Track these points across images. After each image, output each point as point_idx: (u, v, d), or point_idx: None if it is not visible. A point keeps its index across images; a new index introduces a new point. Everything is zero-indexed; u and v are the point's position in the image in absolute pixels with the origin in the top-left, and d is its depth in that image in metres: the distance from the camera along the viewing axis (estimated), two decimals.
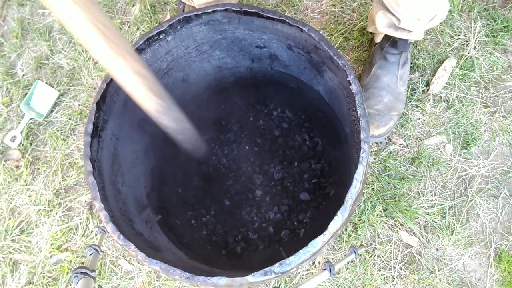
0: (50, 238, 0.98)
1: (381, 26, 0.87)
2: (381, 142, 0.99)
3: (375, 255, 0.92)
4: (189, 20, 0.67)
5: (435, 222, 0.93)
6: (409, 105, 1.01)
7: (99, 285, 0.56)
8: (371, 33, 1.03)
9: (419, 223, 0.94)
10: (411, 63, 1.04)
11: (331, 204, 0.88)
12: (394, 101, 0.94)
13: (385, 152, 0.98)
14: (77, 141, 1.05)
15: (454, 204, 0.95)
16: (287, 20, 0.63)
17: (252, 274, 0.50)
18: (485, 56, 1.03)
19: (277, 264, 0.50)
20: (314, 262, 0.94)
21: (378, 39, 0.94)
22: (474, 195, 0.95)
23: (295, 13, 1.10)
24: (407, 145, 0.99)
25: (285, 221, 0.90)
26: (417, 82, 1.02)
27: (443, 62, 1.03)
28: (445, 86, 1.02)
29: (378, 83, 0.93)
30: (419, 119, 1.00)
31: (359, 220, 0.94)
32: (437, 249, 0.93)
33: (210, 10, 0.65)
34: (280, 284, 0.92)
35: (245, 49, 0.78)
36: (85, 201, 1.01)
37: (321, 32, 1.08)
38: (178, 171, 0.93)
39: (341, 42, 1.07)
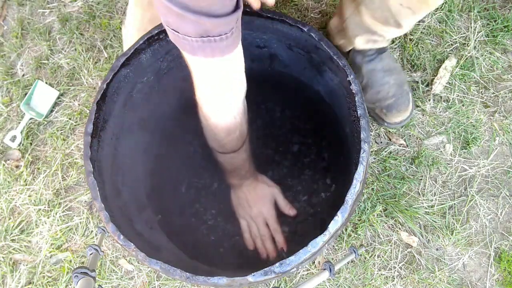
0: (50, 238, 0.98)
1: (360, 44, 0.87)
2: (381, 142, 0.99)
3: (375, 255, 0.92)
4: None
5: (435, 222, 0.93)
6: None
7: (99, 285, 0.56)
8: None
9: (419, 223, 0.94)
10: (412, 63, 1.04)
11: (331, 204, 0.88)
12: (397, 77, 0.94)
13: (385, 152, 0.98)
14: (77, 141, 1.05)
15: (454, 204, 0.95)
16: (287, 20, 0.63)
17: (252, 274, 0.50)
18: (485, 56, 1.03)
19: (277, 264, 0.50)
20: (314, 262, 0.94)
21: (350, 48, 0.93)
22: (474, 195, 0.95)
23: (295, 13, 1.10)
24: (407, 145, 0.99)
25: (285, 220, 0.90)
26: (417, 82, 1.02)
27: (443, 61, 1.03)
28: (445, 86, 1.02)
29: (376, 76, 0.93)
30: (419, 119, 1.00)
31: (359, 220, 0.94)
32: (437, 249, 0.93)
33: None
34: (280, 284, 0.92)
35: (245, 49, 0.77)
36: (85, 201, 1.01)
37: (321, 32, 1.07)
38: (178, 171, 0.93)
39: None
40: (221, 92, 0.59)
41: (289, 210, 0.84)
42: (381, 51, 0.91)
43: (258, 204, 0.81)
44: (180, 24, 0.44)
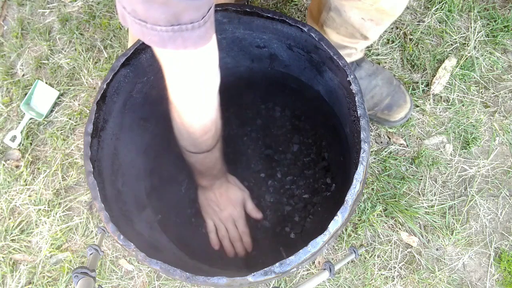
0: (50, 238, 0.98)
1: None
2: (381, 142, 0.99)
3: (375, 255, 0.92)
4: None
5: (435, 222, 0.93)
6: None
7: (99, 285, 0.56)
8: None
9: (419, 223, 0.94)
10: (412, 63, 1.04)
11: (331, 204, 0.88)
12: (383, 76, 0.94)
13: (385, 152, 0.98)
14: (77, 141, 1.05)
15: (454, 204, 0.95)
16: (287, 20, 0.63)
17: (252, 274, 0.50)
18: (485, 56, 1.03)
19: (277, 264, 0.50)
20: (314, 262, 0.94)
21: None
22: (474, 195, 0.95)
23: (295, 13, 1.10)
24: (407, 145, 0.99)
25: (285, 220, 0.90)
26: (417, 82, 1.02)
27: (443, 61, 1.03)
28: (445, 86, 1.02)
29: (363, 83, 0.94)
30: (419, 119, 1.00)
31: (359, 220, 0.94)
32: (437, 249, 0.93)
33: None
34: (280, 284, 0.92)
35: (245, 49, 0.78)
36: (85, 201, 1.01)
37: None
38: (178, 171, 0.93)
39: None
40: (195, 88, 0.56)
41: (256, 214, 0.83)
42: (359, 61, 0.92)
43: (229, 207, 0.80)
44: (148, 10, 0.40)
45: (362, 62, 0.93)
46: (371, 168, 0.98)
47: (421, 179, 0.97)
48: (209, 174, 0.76)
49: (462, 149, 0.98)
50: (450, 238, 0.93)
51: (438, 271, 0.91)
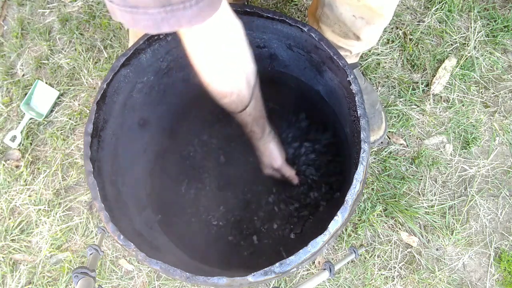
0: (50, 238, 0.98)
1: None
2: (382, 142, 0.99)
3: (375, 255, 0.92)
4: None
5: (435, 222, 0.93)
6: (409, 105, 1.01)
7: (99, 285, 0.56)
8: None
9: (419, 223, 0.94)
10: (412, 63, 1.04)
11: (331, 204, 0.88)
12: (369, 96, 0.94)
13: (385, 152, 0.98)
14: (77, 141, 1.05)
15: (454, 204, 0.95)
16: (287, 20, 0.63)
17: (252, 274, 0.50)
18: (485, 56, 1.03)
19: (277, 264, 0.50)
20: (314, 262, 0.94)
21: None
22: (474, 195, 0.95)
23: (295, 13, 1.10)
24: (407, 145, 0.99)
25: (285, 221, 0.90)
26: (417, 82, 1.02)
27: (443, 61, 1.03)
28: (445, 86, 1.02)
29: None
30: (419, 119, 1.00)
31: (359, 220, 0.94)
32: (437, 249, 0.93)
33: None
34: (280, 284, 0.92)
35: None
36: (85, 201, 1.01)
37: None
38: (178, 171, 0.93)
39: None
40: (203, 55, 0.55)
41: (292, 178, 0.86)
42: (352, 67, 0.92)
43: (262, 167, 0.86)
44: None
45: (355, 68, 0.93)
46: (371, 168, 0.98)
47: (421, 179, 0.97)
48: (248, 132, 0.79)
49: (462, 149, 0.98)
50: (450, 238, 0.93)
51: (438, 271, 0.91)
